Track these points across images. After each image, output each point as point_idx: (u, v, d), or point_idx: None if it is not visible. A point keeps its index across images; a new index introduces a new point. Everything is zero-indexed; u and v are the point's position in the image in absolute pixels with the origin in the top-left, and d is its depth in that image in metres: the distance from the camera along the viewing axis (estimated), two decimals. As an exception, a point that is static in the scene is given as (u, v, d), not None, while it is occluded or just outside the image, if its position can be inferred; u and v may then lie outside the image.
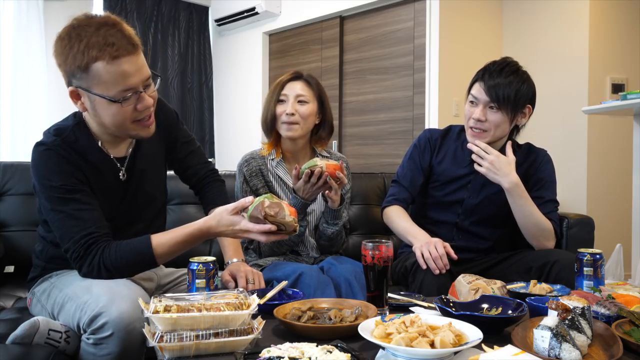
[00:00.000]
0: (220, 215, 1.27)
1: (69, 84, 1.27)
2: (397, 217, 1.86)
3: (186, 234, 1.29)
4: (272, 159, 1.85)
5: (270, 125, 1.82)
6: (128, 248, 1.27)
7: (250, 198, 1.25)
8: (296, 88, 1.79)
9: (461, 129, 1.96)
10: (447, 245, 1.65)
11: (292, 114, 1.76)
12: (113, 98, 1.23)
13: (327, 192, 1.67)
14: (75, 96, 1.28)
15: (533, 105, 1.81)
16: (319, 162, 1.59)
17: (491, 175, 1.72)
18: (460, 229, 1.89)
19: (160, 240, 1.28)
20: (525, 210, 1.74)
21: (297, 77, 1.82)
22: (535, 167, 1.87)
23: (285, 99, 1.78)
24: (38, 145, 1.31)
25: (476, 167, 1.75)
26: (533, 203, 1.74)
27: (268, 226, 1.21)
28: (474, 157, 1.75)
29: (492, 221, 1.88)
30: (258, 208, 1.22)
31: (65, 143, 1.31)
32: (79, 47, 1.19)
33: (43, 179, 1.28)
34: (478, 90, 1.76)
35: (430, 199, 1.94)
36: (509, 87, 1.71)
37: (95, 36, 1.19)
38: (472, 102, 1.79)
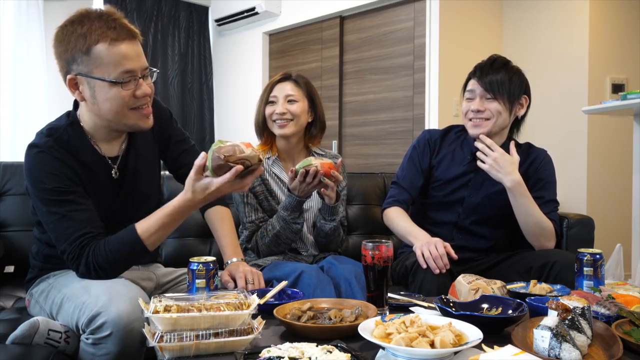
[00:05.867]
0: (191, 185, 1.25)
1: (67, 72, 1.28)
2: (397, 218, 1.86)
3: (168, 214, 1.28)
4: (268, 158, 1.88)
5: (262, 126, 1.88)
6: (116, 242, 1.26)
7: (202, 154, 1.23)
8: (285, 89, 1.84)
9: (461, 129, 1.96)
10: (448, 245, 1.65)
11: (284, 113, 1.81)
12: (114, 79, 1.25)
13: (322, 189, 1.69)
14: (73, 85, 1.29)
15: (529, 97, 1.84)
16: (314, 162, 1.62)
17: (493, 172, 1.72)
18: (460, 229, 1.89)
19: (145, 226, 1.28)
20: (526, 209, 1.74)
21: (286, 78, 1.88)
22: (535, 167, 1.87)
23: (275, 100, 1.84)
24: (31, 147, 1.31)
25: (479, 163, 1.75)
26: (534, 202, 1.74)
27: (236, 167, 1.19)
28: (478, 153, 1.75)
29: (492, 221, 1.88)
30: (216, 157, 1.19)
31: (58, 144, 1.31)
32: (81, 30, 1.24)
33: (36, 182, 1.28)
34: (472, 84, 1.81)
35: (431, 199, 1.94)
36: (500, 77, 1.76)
37: (97, 21, 1.25)
38: (468, 98, 1.82)
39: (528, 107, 1.85)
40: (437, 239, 1.67)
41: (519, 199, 1.73)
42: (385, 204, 1.96)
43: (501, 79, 1.75)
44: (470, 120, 1.81)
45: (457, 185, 1.89)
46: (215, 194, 1.25)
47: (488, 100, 1.78)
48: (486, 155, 1.72)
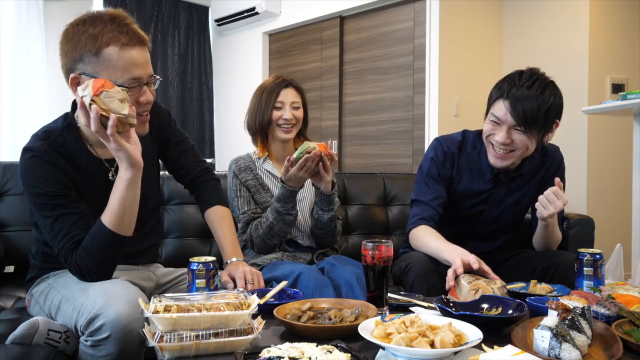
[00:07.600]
0: (115, 155, 1.23)
1: (70, 70, 1.27)
2: (426, 237, 1.66)
3: (118, 192, 1.25)
4: (259, 157, 1.95)
5: (265, 128, 1.91)
6: (90, 239, 1.25)
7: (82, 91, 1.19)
8: (290, 95, 1.91)
9: (476, 135, 1.82)
10: (482, 262, 1.48)
11: (290, 119, 1.89)
12: (120, 84, 1.24)
13: (320, 172, 1.71)
14: (75, 84, 1.27)
15: (560, 119, 1.67)
16: (311, 144, 1.67)
17: (545, 212, 1.58)
18: (474, 237, 1.85)
19: (107, 214, 1.26)
20: (554, 234, 1.73)
21: (289, 84, 1.93)
22: (554, 170, 1.81)
23: (282, 106, 1.89)
24: (25, 151, 1.31)
25: (539, 207, 1.59)
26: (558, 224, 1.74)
27: (94, 111, 1.16)
28: (542, 200, 1.58)
29: (507, 228, 1.87)
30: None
31: (52, 147, 1.30)
32: (93, 31, 1.23)
33: (30, 186, 1.28)
34: (503, 111, 1.59)
35: (447, 213, 1.81)
36: (537, 108, 1.55)
37: (110, 24, 1.25)
38: (494, 122, 1.64)
39: (557, 127, 1.69)
40: (473, 256, 1.48)
41: (551, 227, 1.70)
42: (409, 225, 1.76)
43: (536, 111, 1.54)
44: (493, 147, 1.67)
45: (476, 200, 1.81)
46: (117, 143, 1.20)
47: (517, 131, 1.60)
48: (549, 202, 1.57)
